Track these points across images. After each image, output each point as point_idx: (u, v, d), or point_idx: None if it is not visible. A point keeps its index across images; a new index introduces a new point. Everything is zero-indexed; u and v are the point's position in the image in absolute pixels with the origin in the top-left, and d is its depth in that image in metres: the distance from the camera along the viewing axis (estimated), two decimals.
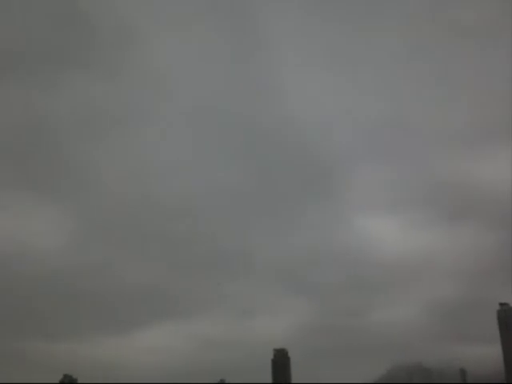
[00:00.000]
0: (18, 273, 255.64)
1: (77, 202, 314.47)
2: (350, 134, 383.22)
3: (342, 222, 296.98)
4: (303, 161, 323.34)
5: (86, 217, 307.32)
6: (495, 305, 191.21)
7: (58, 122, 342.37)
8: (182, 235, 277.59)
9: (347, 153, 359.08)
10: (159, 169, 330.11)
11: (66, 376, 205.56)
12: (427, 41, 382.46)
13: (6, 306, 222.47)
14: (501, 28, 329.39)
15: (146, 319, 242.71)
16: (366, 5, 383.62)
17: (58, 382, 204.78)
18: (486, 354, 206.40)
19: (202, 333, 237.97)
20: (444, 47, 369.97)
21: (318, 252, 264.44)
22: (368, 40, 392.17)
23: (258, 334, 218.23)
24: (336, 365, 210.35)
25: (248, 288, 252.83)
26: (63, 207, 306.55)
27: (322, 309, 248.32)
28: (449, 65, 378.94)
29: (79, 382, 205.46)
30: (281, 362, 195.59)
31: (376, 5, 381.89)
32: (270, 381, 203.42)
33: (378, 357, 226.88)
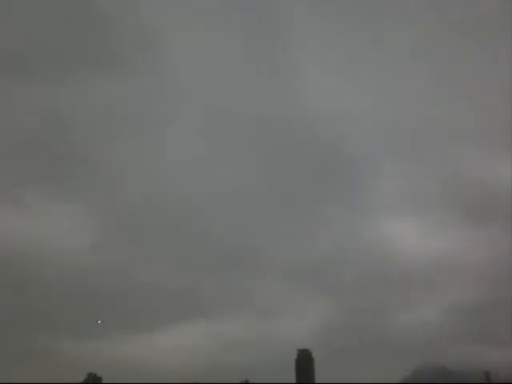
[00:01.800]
0: (40, 273, 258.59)
1: (99, 202, 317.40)
2: (373, 133, 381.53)
3: (365, 221, 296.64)
4: (325, 161, 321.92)
5: (109, 216, 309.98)
6: None
7: (77, 121, 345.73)
8: (205, 235, 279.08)
9: (368, 152, 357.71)
10: (178, 169, 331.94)
11: (90, 375, 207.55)
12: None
13: (30, 305, 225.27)
14: (501, 28, 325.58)
15: (169, 319, 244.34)
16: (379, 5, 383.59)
17: (82, 380, 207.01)
18: (510, 356, 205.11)
19: (226, 333, 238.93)
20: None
21: (341, 251, 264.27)
22: (382, 40, 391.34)
23: (282, 334, 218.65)
24: (360, 365, 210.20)
25: (272, 287, 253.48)
26: (85, 207, 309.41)
27: (346, 308, 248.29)
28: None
29: (104, 381, 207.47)
30: (304, 363, 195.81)
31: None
32: (294, 381, 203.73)
33: (401, 358, 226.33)
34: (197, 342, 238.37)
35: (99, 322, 75.37)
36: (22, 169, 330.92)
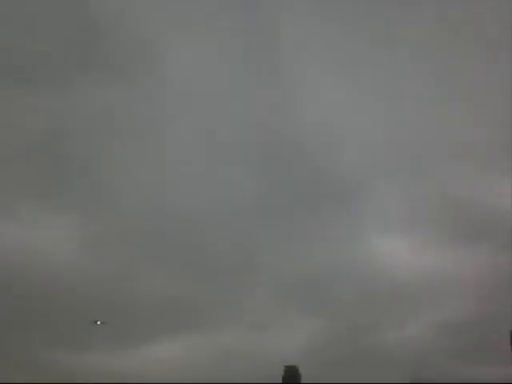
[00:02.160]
0: (29, 283, 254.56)
1: (91, 212, 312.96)
2: (367, 148, 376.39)
3: (356, 238, 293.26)
4: (317, 175, 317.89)
5: (100, 227, 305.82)
6: (508, 326, 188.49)
7: (72, 130, 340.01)
8: (196, 248, 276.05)
9: (362, 168, 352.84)
10: (173, 180, 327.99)
11: None
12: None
13: (17, 315, 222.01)
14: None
15: (158, 330, 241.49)
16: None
17: None
18: (502, 373, 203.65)
19: (213, 345, 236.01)
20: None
21: (332, 267, 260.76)
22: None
23: (269, 349, 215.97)
24: (349, 381, 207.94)
25: (262, 302, 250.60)
26: (77, 217, 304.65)
27: (336, 324, 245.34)
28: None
29: None
30: (292, 379, 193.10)
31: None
32: None
33: (391, 374, 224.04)
34: (184, 354, 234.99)
35: (98, 322, 73.63)
36: (16, 178, 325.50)
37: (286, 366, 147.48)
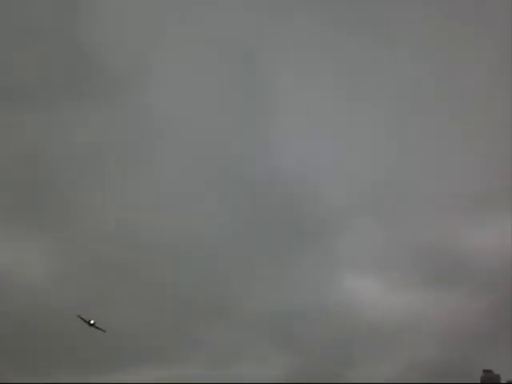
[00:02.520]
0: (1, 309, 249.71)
1: (64, 240, 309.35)
2: (343, 189, 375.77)
3: (329, 276, 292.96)
4: (292, 212, 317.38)
5: (73, 255, 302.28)
6: (479, 371, 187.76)
7: (47, 154, 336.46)
8: (165, 280, 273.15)
9: (339, 207, 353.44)
10: (150, 209, 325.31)
11: None
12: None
13: None
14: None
15: (122, 363, 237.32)
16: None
17: None
18: None
19: (180, 379, 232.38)
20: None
21: (304, 304, 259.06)
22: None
23: None
24: None
25: (232, 338, 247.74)
26: (51, 245, 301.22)
27: (306, 361, 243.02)
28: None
29: None
30: None
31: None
32: None
33: None
34: None
35: (92, 322, 70.74)
36: None
37: None
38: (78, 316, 76.00)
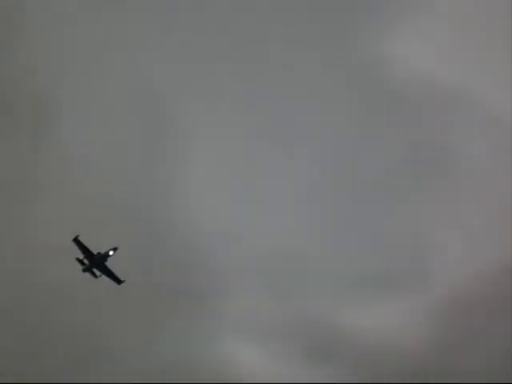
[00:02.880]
0: None
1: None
2: (236, 253, 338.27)
3: (210, 341, 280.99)
4: (178, 270, 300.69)
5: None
6: None
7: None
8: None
9: (225, 273, 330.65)
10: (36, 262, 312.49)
11: None
12: None
13: None
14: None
15: None
16: None
17: None
18: None
19: None
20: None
21: (181, 368, 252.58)
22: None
23: None
24: None
25: None
26: None
27: None
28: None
29: None
30: None
31: None
32: None
33: None
34: None
35: (111, 253, 71.36)
36: None
37: None
38: None
